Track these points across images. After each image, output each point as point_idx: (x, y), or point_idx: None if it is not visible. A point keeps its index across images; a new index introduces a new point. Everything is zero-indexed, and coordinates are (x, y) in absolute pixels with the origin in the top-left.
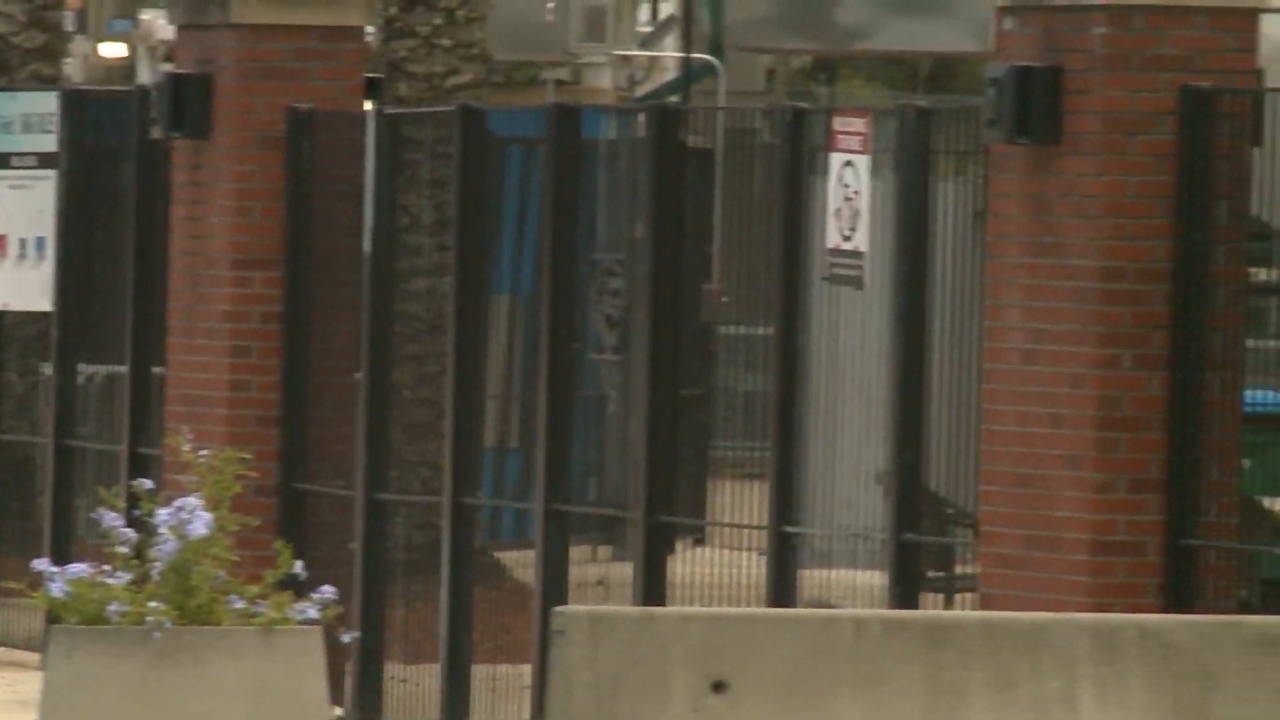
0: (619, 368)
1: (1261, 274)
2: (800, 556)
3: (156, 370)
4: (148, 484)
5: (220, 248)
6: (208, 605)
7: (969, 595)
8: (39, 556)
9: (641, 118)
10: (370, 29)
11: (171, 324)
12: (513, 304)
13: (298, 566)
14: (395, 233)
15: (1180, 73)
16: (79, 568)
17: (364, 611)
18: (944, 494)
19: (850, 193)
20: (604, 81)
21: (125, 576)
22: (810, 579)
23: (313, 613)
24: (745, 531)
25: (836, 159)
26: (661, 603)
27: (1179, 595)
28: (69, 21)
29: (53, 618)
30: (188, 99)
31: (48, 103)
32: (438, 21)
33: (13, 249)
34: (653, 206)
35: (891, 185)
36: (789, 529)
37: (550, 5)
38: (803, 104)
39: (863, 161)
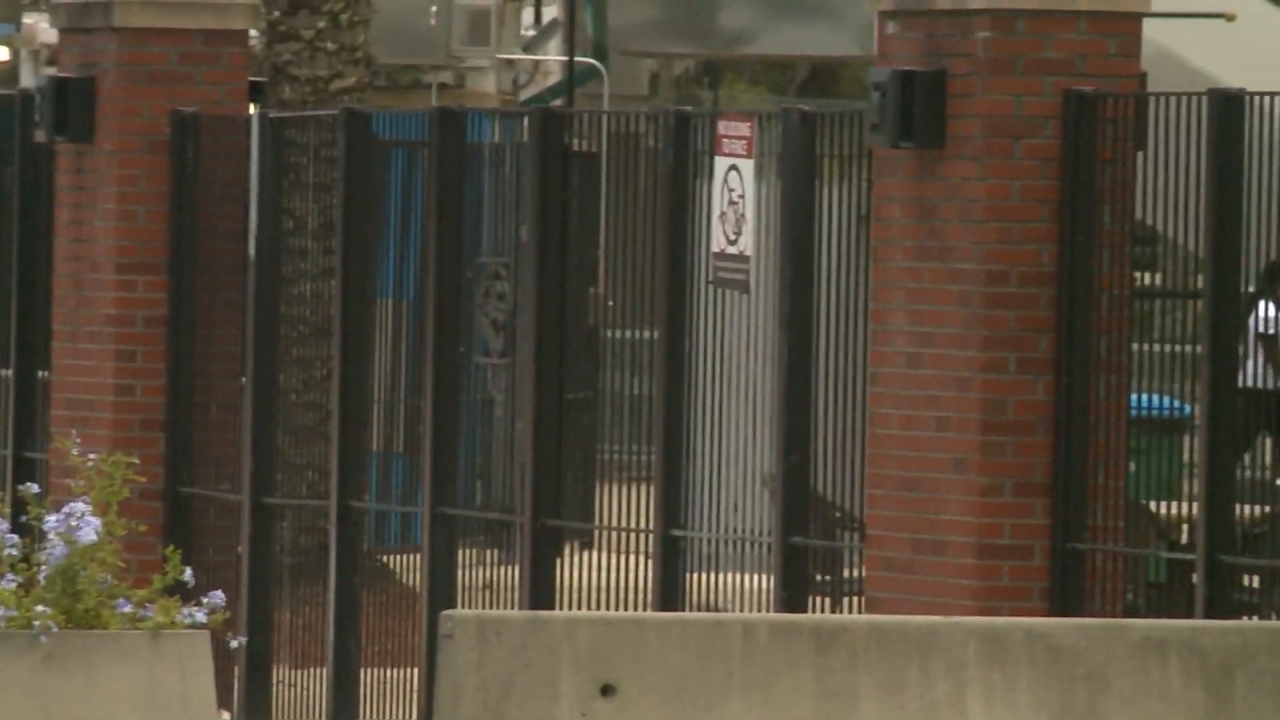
0: (505, 371)
1: (1146, 278)
2: (687, 560)
3: (41, 374)
4: (34, 488)
5: (104, 251)
6: (95, 609)
7: (856, 599)
8: None
9: (525, 121)
10: (254, 33)
11: (56, 328)
12: (398, 308)
13: (186, 574)
14: (280, 236)
15: (1063, 77)
16: None
17: (251, 615)
18: (831, 497)
19: (735, 197)
20: (488, 85)
21: (12, 581)
22: (698, 583)
23: (201, 617)
24: (633, 535)
25: (721, 163)
26: (549, 607)
27: (1066, 598)
28: None
29: None
30: (71, 103)
31: None
32: (321, 25)
33: None
34: (537, 210)
35: (776, 189)
36: (676, 533)
37: (434, 9)
38: (687, 108)
39: (747, 165)
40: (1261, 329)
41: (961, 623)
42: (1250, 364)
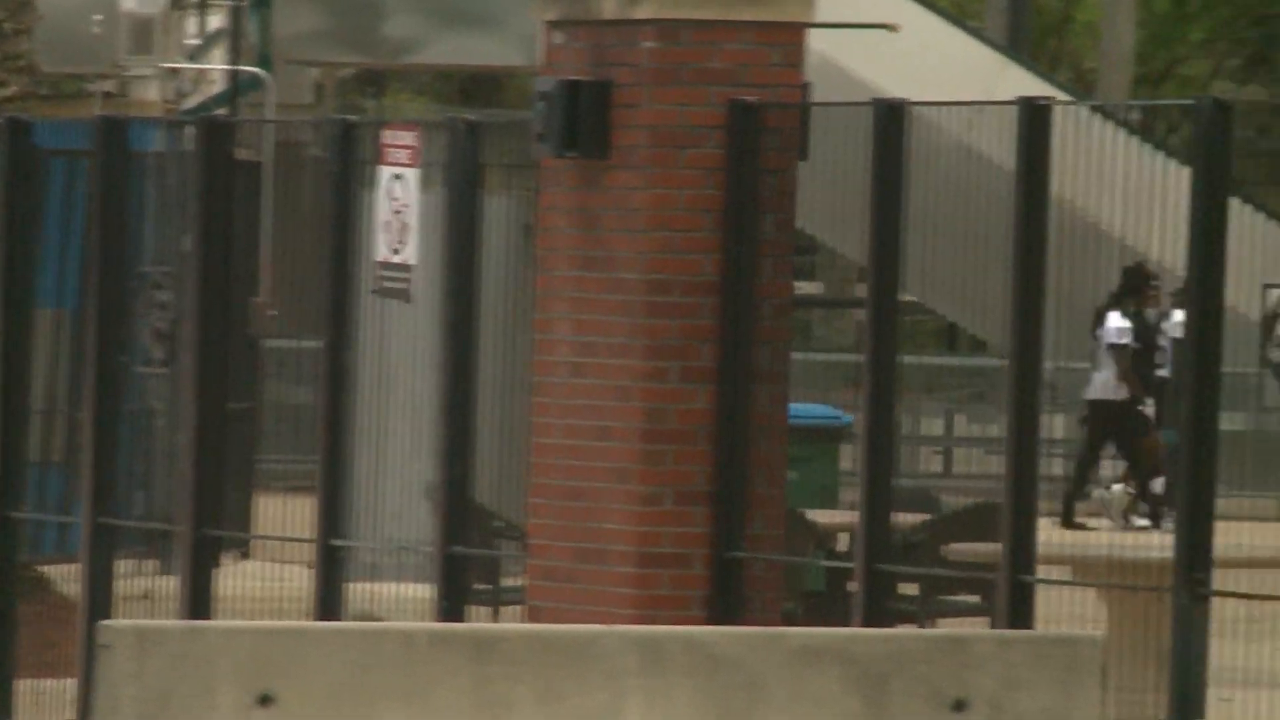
0: (167, 381)
1: (807, 288)
2: (348, 569)
3: None
4: None
5: None
6: None
7: (517, 608)
8: None
9: (190, 130)
10: None
11: None
12: (58, 317)
13: None
14: None
15: (728, 87)
16: None
17: None
18: (492, 507)
19: (400, 205)
20: (152, 94)
21: None
22: (358, 592)
23: None
24: (293, 545)
25: (386, 172)
26: (208, 616)
27: (725, 607)
28: None
29: None
30: None
31: None
32: None
33: None
34: (201, 219)
35: (441, 198)
36: (336, 542)
37: (97, 18)
38: (352, 117)
39: (412, 175)
40: (1113, 340)
41: (620, 631)
42: (1099, 375)
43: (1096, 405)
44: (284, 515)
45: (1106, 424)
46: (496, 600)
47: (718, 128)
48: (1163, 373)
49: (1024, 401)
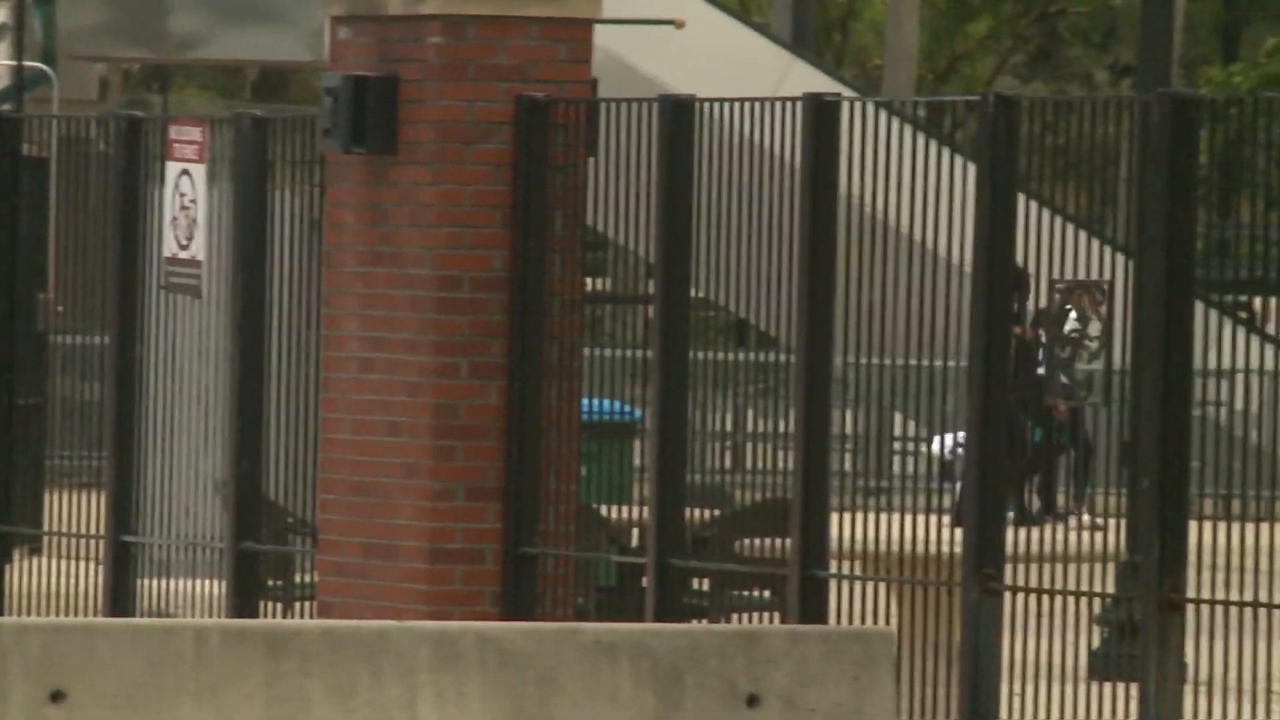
0: None
1: (597, 283)
2: (139, 566)
3: None
4: None
5: None
6: None
7: (309, 604)
8: None
9: None
10: None
11: None
12: None
13: None
14: None
15: (516, 83)
16: None
17: None
18: (283, 503)
19: (187, 201)
20: None
21: None
22: (150, 589)
23: None
24: (83, 541)
25: (173, 168)
26: None
27: (518, 603)
28: None
29: None
30: None
31: None
32: None
33: None
34: None
35: (229, 194)
36: (127, 538)
37: None
38: (139, 113)
39: (199, 170)
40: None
41: (414, 627)
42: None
43: None
44: (75, 511)
45: None
46: (289, 596)
47: (505, 124)
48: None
49: (814, 397)
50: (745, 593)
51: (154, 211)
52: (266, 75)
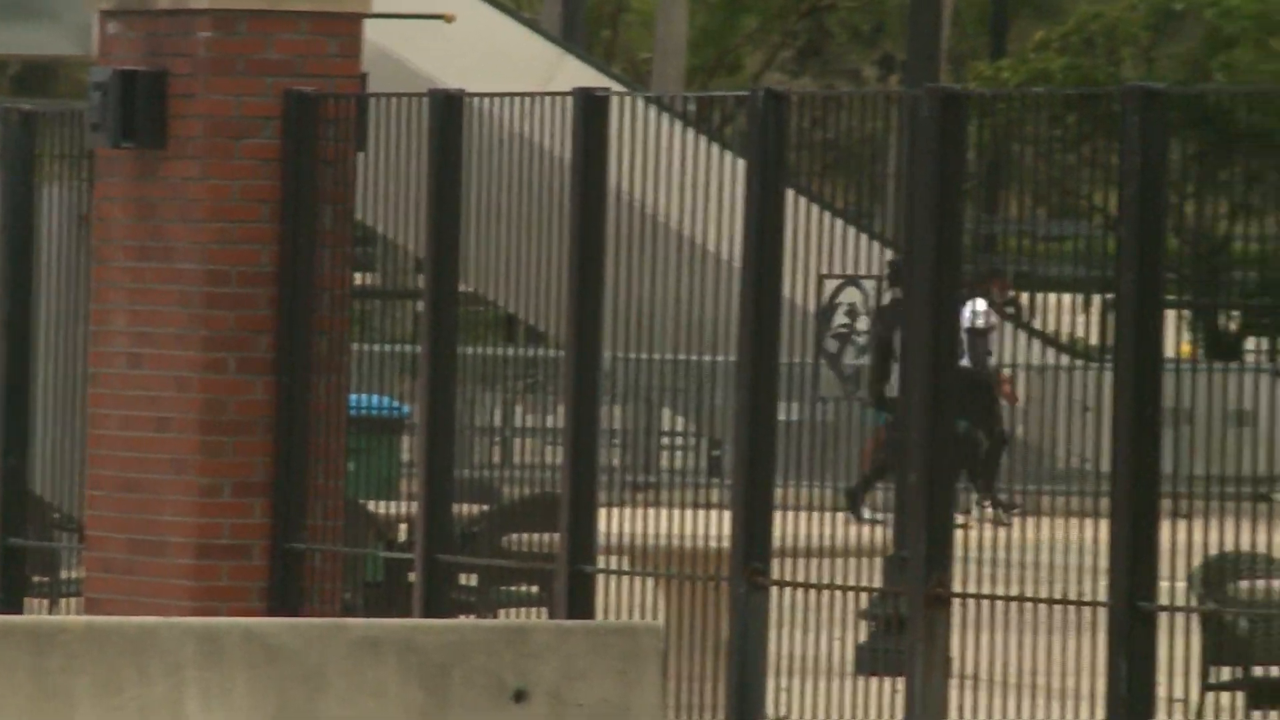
0: None
1: (366, 278)
2: None
3: None
4: None
5: None
6: None
7: (75, 600)
8: None
9: None
10: None
11: None
12: None
13: None
14: None
15: (285, 77)
16: None
17: None
18: (50, 499)
19: None
20: None
21: None
22: None
23: None
24: None
25: None
26: None
27: (285, 598)
28: None
29: None
30: None
31: None
32: None
33: None
34: None
35: None
36: None
37: None
38: None
39: None
40: (969, 324)
41: (180, 623)
42: (960, 359)
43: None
44: None
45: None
46: (55, 593)
47: (274, 118)
48: (964, 362)
49: (583, 392)
50: (513, 588)
51: None
52: (31, 69)
